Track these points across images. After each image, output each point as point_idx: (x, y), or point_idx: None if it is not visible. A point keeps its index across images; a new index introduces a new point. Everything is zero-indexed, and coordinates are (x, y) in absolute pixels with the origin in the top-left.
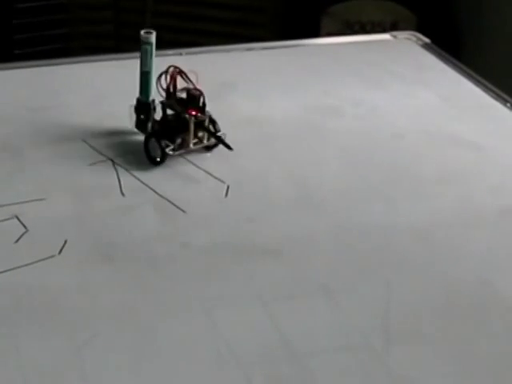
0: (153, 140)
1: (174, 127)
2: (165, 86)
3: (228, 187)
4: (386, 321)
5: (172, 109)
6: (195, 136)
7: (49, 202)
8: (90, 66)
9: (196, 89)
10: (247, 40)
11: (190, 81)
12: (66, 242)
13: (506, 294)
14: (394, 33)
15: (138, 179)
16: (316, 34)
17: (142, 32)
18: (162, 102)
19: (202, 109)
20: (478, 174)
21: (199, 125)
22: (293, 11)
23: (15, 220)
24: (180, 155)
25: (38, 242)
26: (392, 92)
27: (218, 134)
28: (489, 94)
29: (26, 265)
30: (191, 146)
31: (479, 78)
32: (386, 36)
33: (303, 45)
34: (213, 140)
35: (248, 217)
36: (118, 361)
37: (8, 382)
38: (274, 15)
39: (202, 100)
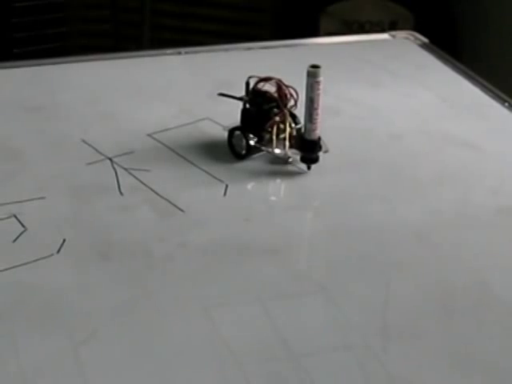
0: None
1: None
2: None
3: (227, 186)
4: (385, 320)
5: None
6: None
7: (47, 201)
8: (89, 64)
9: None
10: (246, 39)
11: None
12: (64, 241)
13: (504, 295)
14: (393, 32)
15: (137, 178)
16: (315, 33)
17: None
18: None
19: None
20: (477, 173)
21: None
22: (291, 10)
23: (13, 219)
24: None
25: (37, 241)
26: (390, 91)
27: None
28: (487, 94)
29: (25, 264)
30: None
31: (478, 78)
32: (384, 35)
33: (302, 44)
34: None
35: (246, 216)
36: (117, 360)
37: (7, 382)
38: (273, 14)
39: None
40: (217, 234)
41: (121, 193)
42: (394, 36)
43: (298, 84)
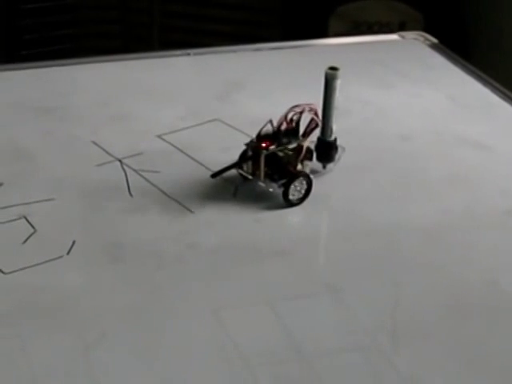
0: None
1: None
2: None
3: (236, 187)
4: (394, 321)
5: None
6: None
7: (57, 202)
8: (98, 66)
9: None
10: (255, 40)
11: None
12: (74, 242)
13: None
14: (402, 33)
15: (147, 180)
16: (324, 34)
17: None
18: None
19: (276, 143)
20: (487, 174)
21: (272, 159)
22: (301, 12)
23: (23, 220)
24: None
25: (47, 242)
26: (400, 92)
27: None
28: (497, 94)
29: (35, 265)
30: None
31: (487, 78)
32: (393, 36)
33: (311, 45)
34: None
35: (256, 217)
36: (127, 361)
37: (17, 383)
38: (282, 15)
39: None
40: (226, 234)
41: (130, 194)
42: (403, 37)
43: (307, 84)
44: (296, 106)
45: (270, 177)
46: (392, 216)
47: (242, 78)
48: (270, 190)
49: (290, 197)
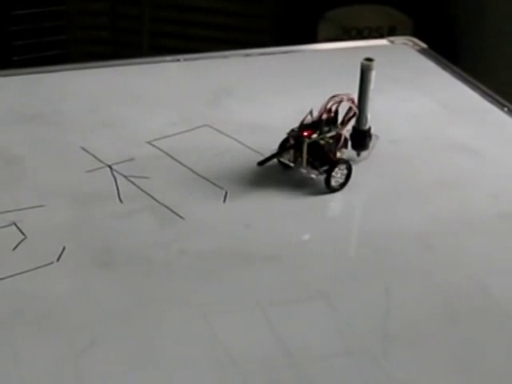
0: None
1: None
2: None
3: (226, 193)
4: (385, 326)
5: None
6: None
7: (47, 208)
8: (88, 72)
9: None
10: (246, 46)
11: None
12: (64, 248)
13: (504, 300)
14: (391, 38)
15: (136, 186)
16: (313, 39)
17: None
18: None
19: (318, 131)
20: (476, 178)
21: (314, 147)
22: (290, 17)
23: (13, 227)
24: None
25: (37, 248)
26: (389, 97)
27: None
28: (486, 99)
29: (25, 272)
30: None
31: (476, 83)
32: (383, 41)
33: (301, 50)
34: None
35: (246, 223)
36: (117, 367)
37: None
38: (272, 21)
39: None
40: (216, 240)
41: (120, 200)
42: (392, 42)
43: (297, 90)
44: (335, 96)
45: (312, 164)
46: (382, 221)
47: (232, 84)
48: (313, 175)
49: (333, 183)
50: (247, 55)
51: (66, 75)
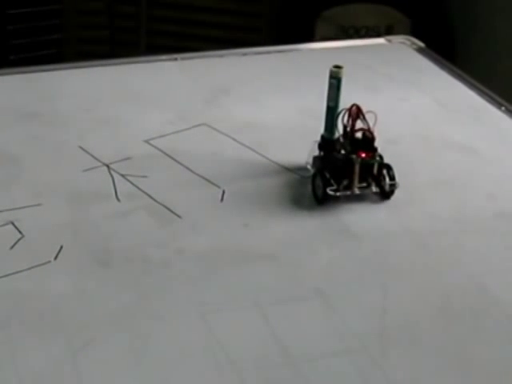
0: (318, 178)
1: (341, 167)
2: (344, 123)
3: (223, 192)
4: (383, 325)
5: (343, 148)
6: (364, 180)
7: (44, 207)
8: (86, 71)
9: (370, 131)
10: (242, 45)
11: (367, 122)
12: (61, 247)
13: (502, 299)
14: (389, 37)
15: (134, 185)
16: (310, 38)
17: (332, 66)
18: (336, 140)
19: (373, 152)
20: (474, 177)
21: (367, 169)
22: (287, 16)
23: (11, 226)
24: (344, 198)
25: (34, 247)
26: (387, 96)
27: (391, 182)
28: (483, 98)
29: (22, 271)
30: (356, 189)
31: (473, 82)
32: (380, 40)
33: (298, 49)
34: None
35: (244, 222)
36: (115, 366)
37: None
38: (269, 20)
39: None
40: (214, 239)
41: (118, 199)
42: (390, 41)
43: (294, 89)
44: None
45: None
46: (379, 220)
47: (229, 83)
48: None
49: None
50: (244, 54)
51: (63, 74)
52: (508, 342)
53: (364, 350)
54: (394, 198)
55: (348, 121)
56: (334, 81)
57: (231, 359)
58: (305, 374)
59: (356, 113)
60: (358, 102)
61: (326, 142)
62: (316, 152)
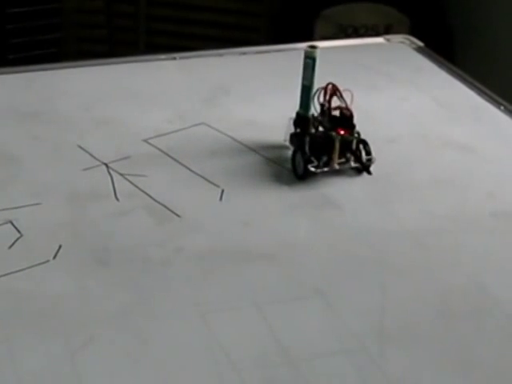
0: (299, 155)
1: (321, 144)
2: (321, 101)
3: (222, 191)
4: (382, 324)
5: (322, 126)
6: (342, 156)
7: (43, 206)
8: (84, 70)
9: (347, 109)
10: (241, 44)
11: (344, 100)
12: (60, 246)
13: (501, 298)
14: (388, 36)
15: (133, 184)
16: (310, 37)
17: (306, 46)
18: (313, 117)
19: (351, 129)
20: (473, 177)
21: (346, 145)
22: (287, 15)
23: (9, 225)
24: (323, 173)
25: (33, 247)
26: (386, 95)
27: (368, 157)
28: (482, 97)
29: (21, 270)
30: (336, 165)
31: (473, 81)
32: (379, 39)
33: (297, 49)
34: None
35: (243, 221)
36: (114, 365)
37: None
38: (268, 19)
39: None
40: (213, 238)
41: (117, 198)
42: (389, 40)
43: (293, 88)
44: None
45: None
46: (379, 219)
47: (228, 82)
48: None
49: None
50: (243, 53)
51: (61, 73)
52: (507, 341)
53: (363, 349)
54: (392, 196)
55: (324, 99)
56: (309, 60)
57: (230, 359)
58: (304, 373)
59: (332, 90)
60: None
61: (302, 119)
62: (292, 129)
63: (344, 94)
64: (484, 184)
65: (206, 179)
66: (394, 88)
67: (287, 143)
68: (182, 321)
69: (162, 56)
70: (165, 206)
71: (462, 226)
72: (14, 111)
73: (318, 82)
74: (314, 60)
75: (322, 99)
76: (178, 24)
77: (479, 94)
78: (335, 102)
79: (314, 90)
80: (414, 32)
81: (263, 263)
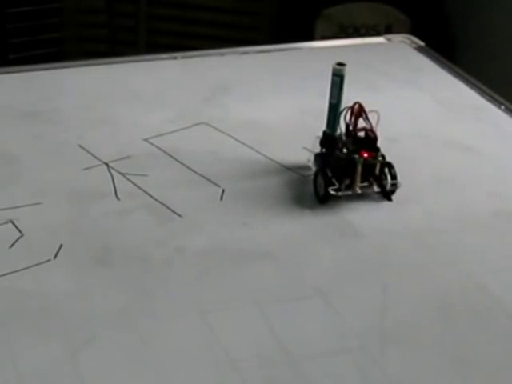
0: (320, 176)
1: (343, 167)
2: (347, 121)
3: (223, 191)
4: (383, 324)
5: (345, 147)
6: (365, 179)
7: (44, 206)
8: (85, 70)
9: (372, 131)
10: (242, 43)
11: (369, 121)
12: (61, 246)
13: (502, 297)
14: (389, 36)
15: (134, 183)
16: (310, 37)
17: (334, 64)
18: (339, 137)
19: (375, 152)
20: (474, 176)
21: (369, 168)
22: (287, 14)
23: (10, 225)
24: (345, 197)
25: (33, 246)
26: (387, 95)
27: (393, 181)
28: (483, 97)
29: (22, 269)
30: (358, 189)
31: (473, 81)
32: (380, 39)
33: (298, 48)
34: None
35: (244, 221)
36: (115, 365)
37: None
38: (269, 19)
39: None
40: (214, 238)
41: (117, 198)
42: (389, 39)
43: (294, 88)
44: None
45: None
46: (380, 218)
47: (229, 82)
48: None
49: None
50: (244, 53)
51: (62, 73)
52: (508, 341)
53: (363, 348)
54: (394, 196)
55: (350, 119)
56: (336, 78)
57: (231, 358)
58: (305, 373)
59: (358, 111)
60: (358, 101)
61: (328, 139)
62: (317, 149)
63: (370, 115)
64: (485, 183)
65: (206, 179)
66: (394, 87)
67: (310, 164)
68: (182, 320)
69: (163, 55)
70: (165, 206)
71: (463, 226)
72: (14, 111)
73: (319, 82)
74: (342, 78)
75: (347, 119)
76: (178, 23)
77: (480, 94)
78: (360, 122)
79: (341, 108)
80: (414, 31)
81: (264, 263)
